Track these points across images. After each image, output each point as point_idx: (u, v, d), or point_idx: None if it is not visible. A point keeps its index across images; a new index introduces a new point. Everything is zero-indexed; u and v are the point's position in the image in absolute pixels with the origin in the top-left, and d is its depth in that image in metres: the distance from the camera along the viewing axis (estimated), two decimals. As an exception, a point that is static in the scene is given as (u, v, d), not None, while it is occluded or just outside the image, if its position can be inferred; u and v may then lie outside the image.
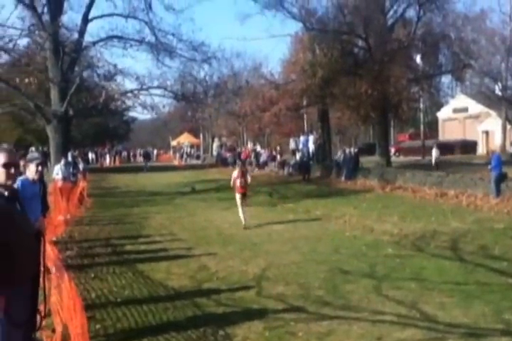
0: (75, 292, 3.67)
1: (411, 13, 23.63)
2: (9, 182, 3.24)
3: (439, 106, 43.71)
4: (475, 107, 37.64)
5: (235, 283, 6.15)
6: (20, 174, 5.95)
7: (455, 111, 41.45)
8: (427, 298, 5.41)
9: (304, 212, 12.48)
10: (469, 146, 35.37)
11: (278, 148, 31.45)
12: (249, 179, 11.14)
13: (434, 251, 7.75)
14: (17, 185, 5.03)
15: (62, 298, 3.89)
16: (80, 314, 3.38)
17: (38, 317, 3.82)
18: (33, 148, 26.72)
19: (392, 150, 34.53)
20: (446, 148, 34.05)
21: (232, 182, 11.02)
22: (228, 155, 35.16)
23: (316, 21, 23.55)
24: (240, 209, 10.70)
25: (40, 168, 5.33)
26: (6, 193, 3.15)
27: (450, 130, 41.74)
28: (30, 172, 5.27)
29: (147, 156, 37.15)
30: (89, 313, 4.96)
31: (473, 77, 30.30)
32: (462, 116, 40.60)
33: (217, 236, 9.45)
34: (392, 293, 5.58)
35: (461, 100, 40.17)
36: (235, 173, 11.02)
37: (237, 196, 10.86)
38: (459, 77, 26.02)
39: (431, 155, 24.45)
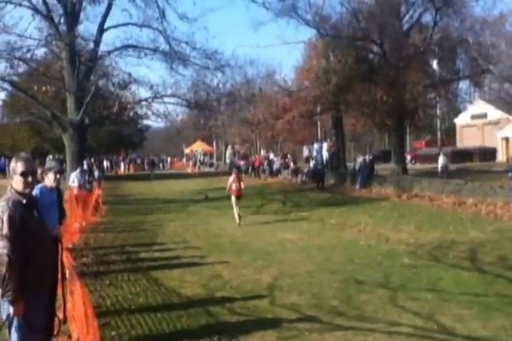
0: (87, 299, 3.67)
1: (427, 17, 23.43)
2: (27, 190, 3.29)
3: (456, 112, 43.15)
4: (494, 113, 37.07)
5: (248, 291, 6.10)
6: (38, 182, 6.03)
7: (473, 117, 40.89)
8: (444, 309, 5.30)
9: (317, 221, 12.39)
10: (488, 153, 34.78)
11: (289, 156, 31.34)
12: (242, 185, 12.42)
13: (452, 261, 7.60)
14: (36, 192, 5.09)
15: (75, 305, 3.90)
16: (91, 321, 3.37)
17: (56, 323, 3.85)
18: (50, 156, 27.10)
19: (408, 157, 34.18)
20: (464, 155, 33.65)
21: (228, 187, 12.52)
22: (241, 162, 35.20)
23: (330, 27, 23.48)
24: (234, 210, 12.11)
25: (58, 176, 5.39)
26: (25, 201, 3.20)
27: (468, 137, 41.18)
28: (49, 180, 5.33)
29: (152, 164, 37.43)
30: (104, 320, 4.99)
31: (492, 82, 29.79)
32: (481, 122, 40.04)
33: (230, 244, 9.42)
34: (408, 304, 5.47)
35: (479, 106, 39.56)
36: (231, 179, 12.48)
37: (233, 198, 12.31)
38: (478, 82, 25.58)
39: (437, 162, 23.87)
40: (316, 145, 28.08)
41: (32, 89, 20.00)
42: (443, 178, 19.99)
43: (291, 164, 28.30)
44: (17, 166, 3.22)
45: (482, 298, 5.68)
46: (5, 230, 3.01)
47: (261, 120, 27.98)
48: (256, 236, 10.34)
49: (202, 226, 11.82)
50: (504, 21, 24.10)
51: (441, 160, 23.05)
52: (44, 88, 19.29)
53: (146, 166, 49.23)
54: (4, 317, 3.13)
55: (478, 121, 40.24)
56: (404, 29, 23.12)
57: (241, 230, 11.09)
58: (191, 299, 5.83)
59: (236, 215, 11.99)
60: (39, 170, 6.56)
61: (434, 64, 23.98)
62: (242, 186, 12.37)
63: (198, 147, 52.36)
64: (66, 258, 4.75)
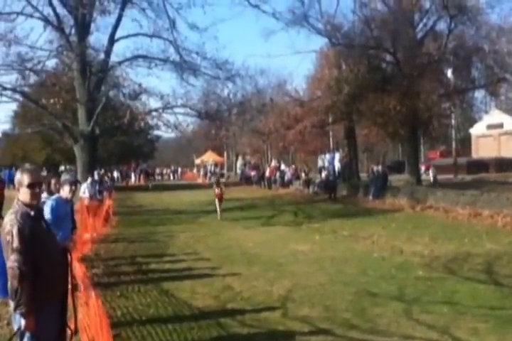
0: (102, 310, 3.65)
1: (441, 25, 23.06)
2: (35, 202, 3.28)
3: (472, 122, 42.73)
4: (511, 123, 36.66)
5: (259, 303, 6.03)
6: (52, 193, 6.08)
7: (489, 127, 40.45)
8: (459, 322, 5.17)
9: (330, 232, 12.26)
10: (505, 164, 34.09)
11: (305, 167, 31.24)
12: (223, 189, 16.88)
13: (468, 274, 7.45)
14: (51, 204, 5.11)
15: (89, 316, 3.87)
16: (106, 332, 3.34)
17: (68, 334, 3.82)
18: (62, 168, 27.39)
19: (423, 168, 33.75)
20: (479, 165, 33.16)
21: (213, 192, 17.00)
22: (252, 173, 35.19)
23: (342, 36, 23.31)
24: (217, 208, 16.11)
25: (73, 187, 5.44)
26: (33, 213, 3.19)
27: (484, 147, 40.69)
28: (64, 191, 5.39)
29: (147, 174, 37.67)
30: (115, 331, 4.93)
31: (509, 91, 29.44)
32: (497, 132, 39.58)
33: (241, 255, 9.35)
34: (422, 317, 5.36)
35: (495, 116, 39.13)
36: (214, 186, 17.50)
37: (216, 200, 16.40)
38: (494, 91, 25.25)
39: (428, 174, 23.94)
40: (328, 156, 28.02)
41: (46, 101, 20.24)
42: (435, 188, 20.24)
43: (303, 175, 28.22)
44: (23, 178, 3.20)
45: (498, 311, 5.55)
46: (15, 243, 3.00)
47: (272, 130, 27.89)
48: (267, 247, 10.26)
49: (213, 238, 11.76)
50: (521, 29, 23.79)
51: (431, 171, 23.05)
52: (52, 100, 19.48)
53: (167, 176, 49.62)
54: (15, 328, 3.12)
55: (495, 131, 39.81)
56: (418, 37, 22.81)
57: (252, 241, 11.01)
58: (202, 311, 5.78)
59: (218, 213, 15.92)
60: (53, 181, 6.62)
61: (449, 73, 23.69)
62: (224, 190, 16.78)
63: (209, 157, 52.49)
64: (80, 269, 4.75)
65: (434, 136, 29.59)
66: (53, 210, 5.05)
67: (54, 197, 5.40)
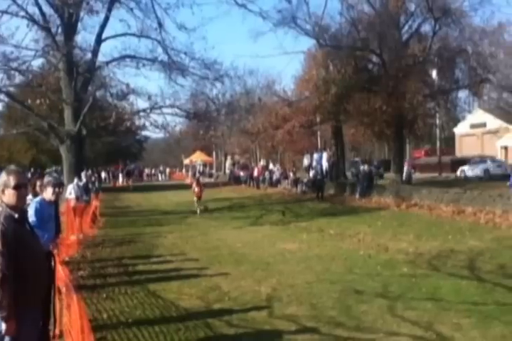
0: (83, 313, 3.64)
1: (426, 27, 23.48)
2: (20, 204, 3.26)
3: (455, 121, 43.27)
4: (493, 122, 37.20)
5: (247, 303, 6.06)
6: (37, 195, 6.02)
7: (473, 126, 41.01)
8: (443, 318, 5.26)
9: (317, 231, 12.35)
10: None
11: (293, 168, 31.33)
12: (202, 188, 18.36)
13: (451, 270, 7.56)
14: (35, 206, 5.06)
15: (71, 319, 3.87)
16: (87, 335, 3.35)
17: (52, 337, 3.81)
18: (48, 169, 27.08)
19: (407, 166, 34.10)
20: (463, 164, 33.58)
21: (192, 190, 18.55)
22: (241, 173, 35.20)
23: (330, 37, 23.56)
24: (196, 205, 17.48)
25: (57, 189, 5.37)
26: (17, 215, 3.17)
27: (467, 146, 41.27)
28: (47, 193, 5.29)
29: (128, 174, 37.45)
30: (101, 334, 4.94)
31: (491, 91, 29.91)
32: (480, 131, 40.13)
33: (229, 255, 9.37)
34: (407, 314, 5.44)
35: (478, 115, 39.74)
36: (194, 184, 18.62)
37: (195, 198, 17.79)
38: (477, 91, 25.66)
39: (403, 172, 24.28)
40: (315, 155, 28.12)
41: (31, 101, 20.00)
42: (408, 185, 20.91)
43: (291, 174, 28.31)
44: (9, 180, 3.16)
45: (481, 306, 5.65)
46: None
47: (261, 130, 27.97)
48: (255, 246, 10.30)
49: (201, 238, 11.77)
50: (502, 31, 24.25)
51: (405, 169, 23.43)
52: (39, 101, 19.26)
53: (154, 177, 49.33)
54: None
55: (478, 130, 40.37)
56: (404, 39, 23.23)
57: (240, 241, 11.04)
58: (189, 311, 5.79)
59: (197, 210, 17.27)
60: (38, 183, 6.56)
61: (434, 73, 24.08)
62: (202, 190, 18.14)
63: (198, 157, 52.36)
64: (63, 272, 4.72)
65: (419, 135, 29.92)
66: (37, 212, 5.01)
67: (37, 199, 5.34)
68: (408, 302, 5.86)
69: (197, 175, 45.03)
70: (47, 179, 5.50)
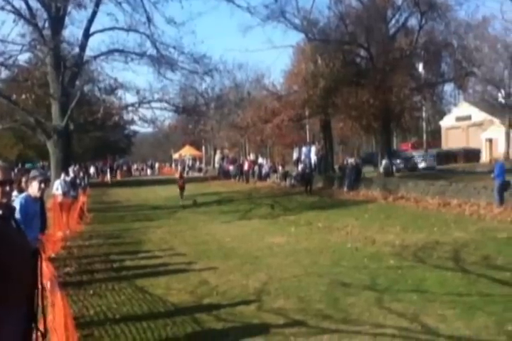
0: (67, 310, 3.63)
1: (413, 21, 23.77)
2: (4, 200, 3.22)
3: (441, 114, 43.67)
4: (478, 115, 37.60)
5: (235, 297, 6.09)
6: (23, 191, 5.96)
7: (458, 119, 41.41)
8: (428, 310, 5.33)
9: (305, 224, 12.41)
10: (472, 154, 35.24)
11: (282, 161, 31.40)
12: (185, 180, 19.73)
13: (436, 262, 7.66)
14: (20, 202, 5.00)
15: (55, 317, 3.85)
16: (71, 333, 3.34)
17: (37, 337, 3.78)
18: (27, 164, 26.79)
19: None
20: (449, 156, 34.03)
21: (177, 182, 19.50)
22: (230, 167, 35.15)
23: (318, 32, 23.71)
24: (180, 196, 18.71)
25: (43, 185, 5.30)
26: (1, 212, 3.13)
27: (453, 138, 41.70)
28: (33, 189, 5.21)
29: (111, 169, 37.52)
30: (88, 331, 4.93)
31: (476, 84, 30.31)
32: (465, 124, 40.55)
33: (218, 250, 9.39)
34: (393, 306, 5.50)
35: (464, 108, 40.14)
36: (178, 176, 20.22)
37: (178, 190, 18.92)
38: (462, 85, 26.00)
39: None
40: (304, 149, 28.16)
41: (17, 96, 19.76)
42: (394, 178, 21.26)
43: (280, 168, 28.35)
44: None
45: (465, 297, 5.73)
46: None
47: (250, 124, 27.92)
48: (244, 241, 10.33)
49: (189, 232, 11.76)
50: (487, 25, 24.58)
51: (384, 163, 23.69)
52: (24, 95, 19.04)
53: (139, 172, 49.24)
54: None
55: (463, 123, 40.77)
56: (391, 33, 23.45)
57: (229, 235, 11.06)
58: (177, 306, 5.79)
59: (181, 202, 18.34)
60: (23, 179, 6.49)
61: (420, 67, 24.30)
62: (184, 182, 19.43)
63: (187, 152, 52.16)
64: (47, 268, 4.69)
65: (406, 128, 30.25)
66: (21, 209, 4.95)
67: (23, 195, 5.28)
68: (394, 295, 5.93)
69: (186, 168, 45.16)
70: (33, 174, 5.43)
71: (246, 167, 31.71)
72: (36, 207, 5.33)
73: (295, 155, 30.82)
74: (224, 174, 36.06)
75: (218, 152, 48.71)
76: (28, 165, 38.19)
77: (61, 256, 8.80)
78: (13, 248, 3.13)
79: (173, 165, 53.87)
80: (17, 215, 4.59)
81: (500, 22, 45.11)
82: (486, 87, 30.42)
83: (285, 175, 26.29)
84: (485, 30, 25.40)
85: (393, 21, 23.80)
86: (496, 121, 33.56)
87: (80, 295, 6.31)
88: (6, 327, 3.05)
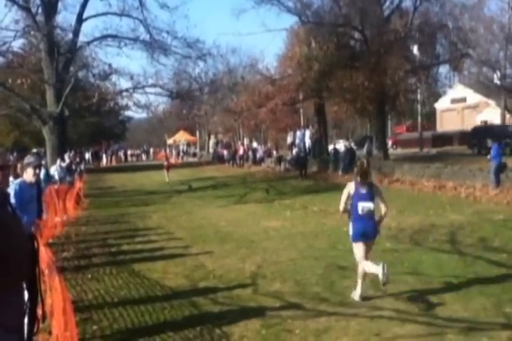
0: (66, 294, 3.62)
1: (407, 3, 23.45)
2: (1, 186, 3.17)
3: (436, 97, 43.43)
4: (473, 97, 37.48)
5: (231, 281, 6.11)
6: (18, 177, 5.90)
7: (453, 101, 41.26)
8: (425, 292, 5.37)
9: (301, 208, 12.43)
10: (468, 137, 35.13)
11: (275, 145, 31.36)
12: (171, 162, 21.87)
13: (433, 244, 7.70)
14: (15, 188, 4.99)
15: (53, 301, 3.85)
16: (70, 317, 3.33)
17: (37, 321, 3.77)
18: (34, 150, 26.62)
19: (390, 142, 34.38)
20: (444, 139, 33.95)
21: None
22: (225, 152, 35.06)
23: (312, 14, 23.41)
24: (166, 174, 21.62)
25: (37, 170, 5.30)
26: (-3, 198, 3.09)
27: (448, 121, 41.59)
28: (28, 175, 5.22)
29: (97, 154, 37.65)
30: (86, 314, 4.95)
31: (472, 66, 30.08)
32: (460, 106, 40.44)
33: (214, 234, 9.40)
34: (390, 288, 5.50)
35: (459, 90, 39.93)
36: (164, 157, 22.91)
37: (165, 171, 21.67)
38: (457, 66, 25.77)
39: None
40: (298, 133, 28.09)
41: (12, 82, 19.59)
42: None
43: (274, 152, 28.29)
44: None
45: (462, 279, 5.77)
46: None
47: (244, 108, 27.76)
48: (239, 225, 10.34)
49: (185, 217, 11.77)
50: (482, 6, 24.36)
51: (366, 146, 23.91)
52: (19, 80, 18.89)
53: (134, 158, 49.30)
54: None
55: (458, 105, 40.66)
56: (385, 15, 23.13)
57: (224, 219, 11.06)
58: (174, 290, 5.81)
59: (167, 178, 21.42)
60: (19, 165, 6.41)
61: (415, 49, 24.06)
62: (170, 164, 22.54)
63: (181, 137, 51.89)
64: (46, 253, 4.67)
65: (401, 111, 30.09)
66: (16, 194, 4.94)
67: (17, 181, 5.26)
68: (391, 277, 5.93)
69: (180, 153, 45.05)
70: (27, 160, 5.39)
71: (241, 152, 31.64)
72: (32, 192, 5.31)
73: (289, 140, 30.76)
74: (218, 159, 35.99)
75: (212, 137, 48.52)
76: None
77: (59, 241, 8.80)
78: (10, 234, 3.09)
79: (168, 150, 53.65)
80: (12, 200, 4.56)
81: (495, 2, 44.55)
82: (481, 69, 30.23)
83: (280, 160, 26.25)
84: (480, 11, 25.17)
85: (387, 3, 23.53)
86: (492, 103, 33.46)
87: (78, 279, 6.33)
88: (9, 310, 3.04)
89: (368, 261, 5.25)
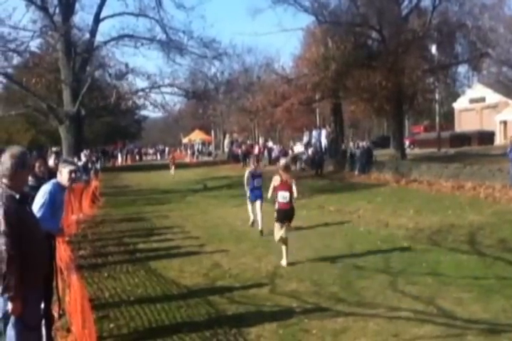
0: (83, 292, 3.63)
1: (426, 2, 23.19)
2: (21, 185, 3.26)
3: (455, 96, 42.82)
4: (492, 97, 36.82)
5: (247, 280, 6.09)
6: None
7: (472, 101, 40.60)
8: (444, 293, 5.29)
9: (317, 208, 12.36)
10: (486, 137, 34.50)
11: (292, 145, 31.27)
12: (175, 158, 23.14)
13: (451, 245, 7.59)
14: (50, 188, 4.65)
15: (72, 299, 3.87)
16: (87, 314, 3.34)
17: (52, 317, 3.80)
18: (54, 149, 26.89)
19: (407, 142, 34.02)
20: (462, 139, 33.48)
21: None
22: (239, 151, 35.09)
23: (329, 14, 23.31)
24: (171, 168, 24.42)
25: (73, 175, 4.96)
26: (18, 196, 3.14)
27: (467, 121, 40.95)
28: (63, 178, 4.86)
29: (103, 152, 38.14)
30: (103, 312, 4.96)
31: (491, 66, 29.50)
32: (479, 106, 39.78)
33: (229, 233, 9.39)
34: (408, 289, 5.46)
35: (478, 90, 39.19)
36: (170, 157, 26.64)
37: (170, 164, 24.94)
38: (476, 66, 25.37)
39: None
40: (314, 132, 27.98)
41: (27, 82, 19.87)
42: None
43: (290, 151, 28.21)
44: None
45: (482, 280, 5.67)
46: (2, 226, 2.95)
47: (259, 108, 27.70)
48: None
49: (201, 216, 11.79)
50: (502, 5, 23.83)
51: (364, 143, 23.11)
52: (34, 80, 19.16)
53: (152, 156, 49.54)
54: (0, 314, 3.07)
55: (477, 105, 40.00)
56: (403, 14, 22.98)
57: (240, 219, 11.04)
58: (191, 289, 5.81)
59: (172, 172, 24.20)
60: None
61: (433, 49, 23.78)
62: (175, 159, 25.76)
63: (196, 136, 52.13)
64: (65, 251, 4.70)
65: (419, 111, 29.76)
66: (51, 195, 4.58)
67: (53, 181, 4.85)
68: (409, 278, 5.88)
69: (195, 153, 45.26)
70: (63, 164, 5.15)
71: (256, 151, 31.61)
72: (62, 197, 5.01)
73: (305, 139, 30.65)
74: (233, 158, 36.02)
75: (227, 136, 48.61)
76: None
77: (75, 240, 8.85)
78: (29, 230, 3.14)
79: (183, 149, 53.90)
80: (40, 201, 4.47)
81: (516, 1, 43.79)
82: (500, 69, 29.65)
83: (295, 159, 26.15)
84: (500, 10, 24.63)
85: (406, 2, 23.34)
86: (511, 102, 32.86)
87: (94, 277, 6.36)
88: (28, 306, 3.07)
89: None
